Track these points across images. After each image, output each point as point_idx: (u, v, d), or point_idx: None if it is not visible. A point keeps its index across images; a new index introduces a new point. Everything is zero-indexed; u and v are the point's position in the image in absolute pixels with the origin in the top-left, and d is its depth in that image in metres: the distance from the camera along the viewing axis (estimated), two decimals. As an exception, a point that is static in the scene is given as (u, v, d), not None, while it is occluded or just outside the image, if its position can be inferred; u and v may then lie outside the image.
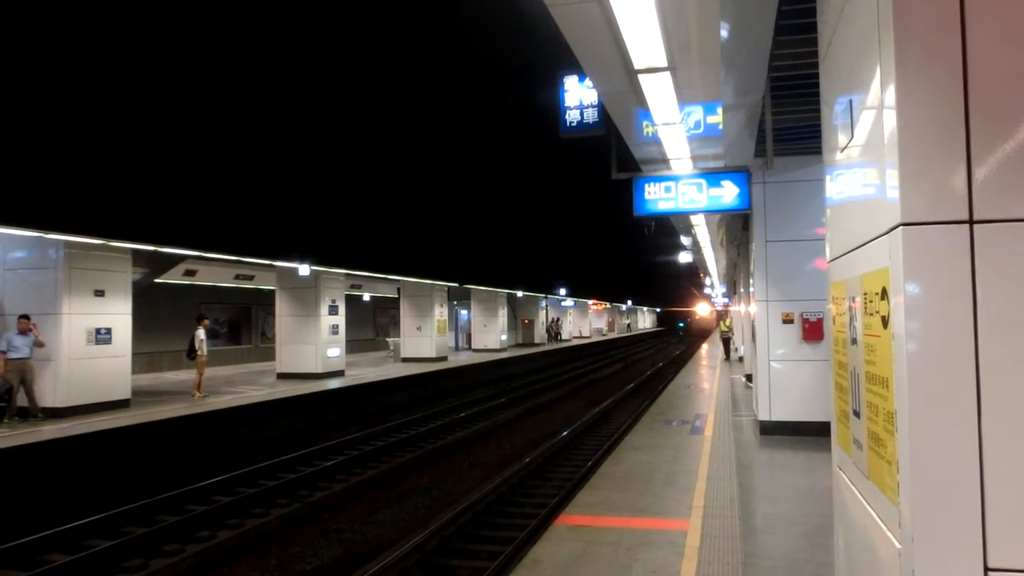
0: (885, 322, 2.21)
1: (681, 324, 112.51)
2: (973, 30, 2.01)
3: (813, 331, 10.04)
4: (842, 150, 2.88)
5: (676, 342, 73.16)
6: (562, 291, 43.65)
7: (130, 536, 7.86)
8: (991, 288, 1.96)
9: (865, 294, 2.47)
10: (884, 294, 2.21)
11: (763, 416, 10.34)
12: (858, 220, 2.63)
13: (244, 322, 27.97)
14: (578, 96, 9.65)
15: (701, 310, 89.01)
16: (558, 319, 46.91)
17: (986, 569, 1.92)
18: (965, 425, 1.96)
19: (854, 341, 2.67)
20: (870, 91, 2.36)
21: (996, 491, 1.93)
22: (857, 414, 2.65)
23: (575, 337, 50.97)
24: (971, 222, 1.98)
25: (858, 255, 2.59)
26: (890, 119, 2.12)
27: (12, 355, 11.42)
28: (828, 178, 3.29)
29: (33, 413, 11.62)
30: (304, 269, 18.57)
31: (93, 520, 8.29)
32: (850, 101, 2.70)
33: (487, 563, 7.12)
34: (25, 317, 11.77)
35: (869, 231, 2.40)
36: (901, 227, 2.04)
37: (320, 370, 19.32)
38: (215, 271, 21.52)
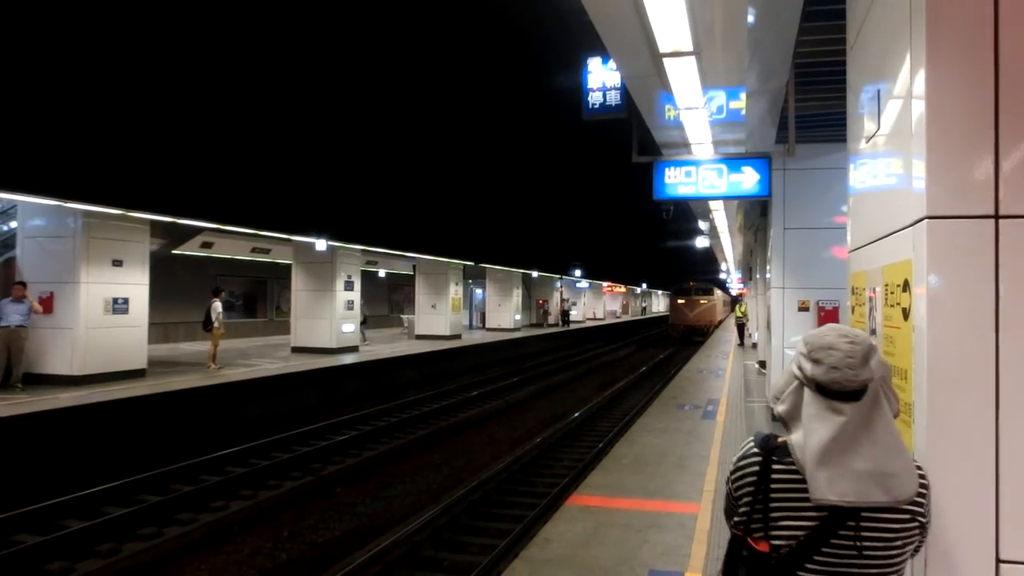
0: (906, 314, 2.20)
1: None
2: (1006, 21, 1.98)
3: (828, 319, 9.98)
4: (867, 140, 2.86)
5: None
6: (577, 272, 43.48)
7: (144, 504, 8.00)
8: (1014, 283, 1.95)
9: (886, 285, 2.46)
10: (906, 286, 2.20)
11: (775, 403, 10.31)
12: (881, 211, 2.62)
13: (260, 295, 28.14)
14: (601, 78, 9.58)
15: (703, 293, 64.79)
16: (571, 300, 45.93)
17: (998, 561, 1.93)
18: (982, 419, 1.96)
19: (873, 332, 2.67)
20: (899, 81, 2.34)
21: (1010, 485, 1.94)
22: (873, 405, 2.65)
23: (588, 319, 50.80)
24: (996, 217, 1.97)
25: (880, 246, 2.58)
26: (918, 110, 2.10)
27: (1, 323, 11.17)
28: (852, 167, 3.26)
29: (14, 383, 11.23)
30: (321, 244, 18.62)
31: (108, 488, 8.43)
32: (878, 90, 2.67)
33: (498, 540, 7.20)
34: (21, 284, 11.52)
35: (893, 223, 2.39)
36: (926, 220, 2.03)
37: (334, 345, 19.43)
38: (232, 244, 21.66)
